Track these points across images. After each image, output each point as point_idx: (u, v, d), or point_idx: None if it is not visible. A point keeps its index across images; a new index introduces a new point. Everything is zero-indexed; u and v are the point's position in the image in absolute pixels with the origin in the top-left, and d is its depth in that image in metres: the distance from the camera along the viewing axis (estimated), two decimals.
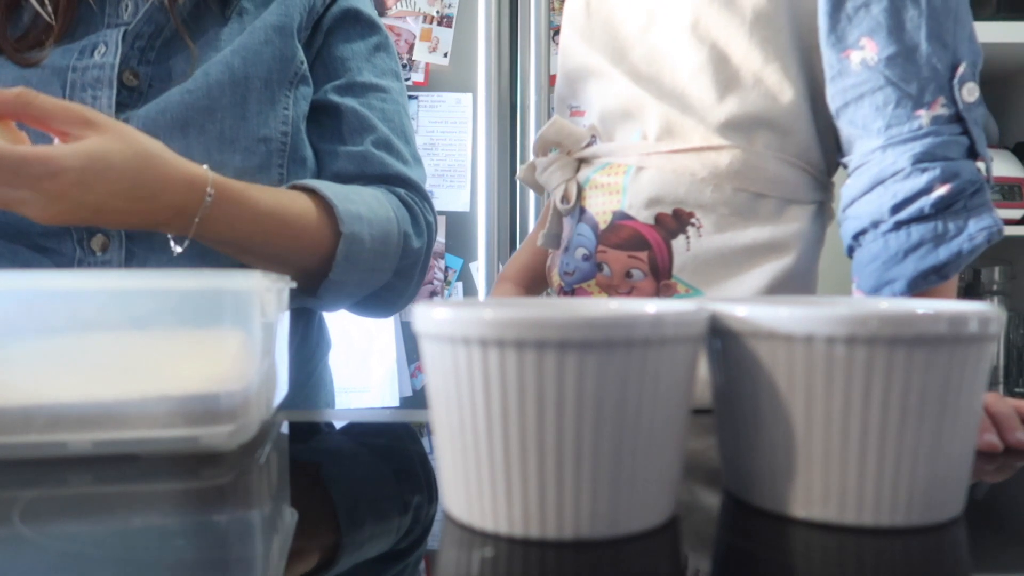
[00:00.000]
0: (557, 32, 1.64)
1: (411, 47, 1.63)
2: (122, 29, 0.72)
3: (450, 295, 1.63)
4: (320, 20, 0.79)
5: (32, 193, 0.55)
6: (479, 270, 1.61)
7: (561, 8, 1.65)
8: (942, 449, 0.34)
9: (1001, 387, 1.68)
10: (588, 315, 0.31)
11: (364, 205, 0.72)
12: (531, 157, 0.76)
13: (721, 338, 0.37)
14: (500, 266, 1.61)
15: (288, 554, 0.32)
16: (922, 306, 0.38)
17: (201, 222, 0.63)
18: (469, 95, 1.63)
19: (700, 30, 0.66)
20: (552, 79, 1.61)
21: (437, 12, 1.63)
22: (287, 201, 0.69)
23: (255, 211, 0.66)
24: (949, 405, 0.34)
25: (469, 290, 1.62)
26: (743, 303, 0.36)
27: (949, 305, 0.37)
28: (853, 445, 0.34)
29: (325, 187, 0.71)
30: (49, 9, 0.72)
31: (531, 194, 1.60)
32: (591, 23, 0.73)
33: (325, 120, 0.79)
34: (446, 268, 1.62)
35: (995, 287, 1.71)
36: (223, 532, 0.36)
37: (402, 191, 0.78)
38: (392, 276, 0.76)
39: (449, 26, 1.63)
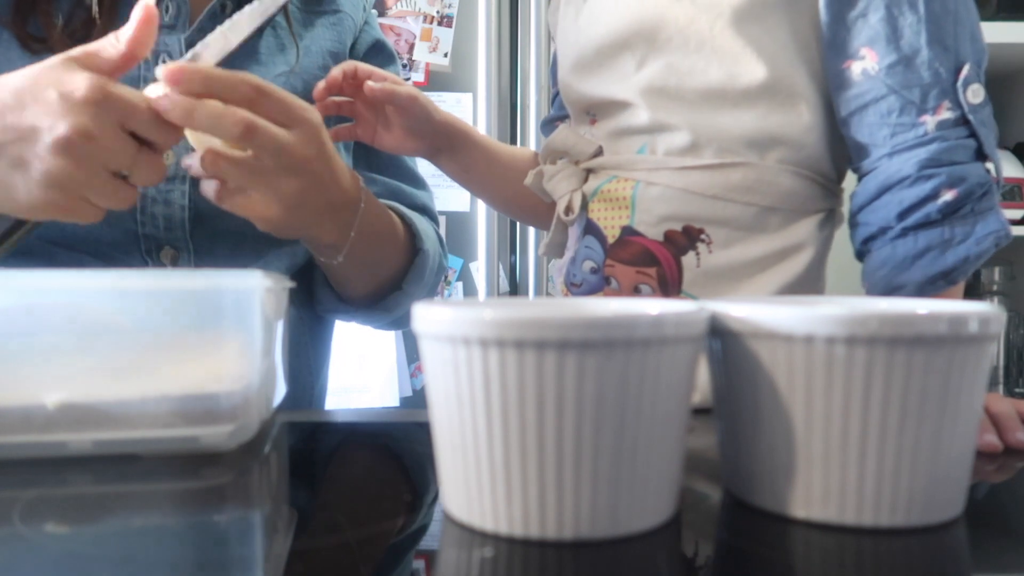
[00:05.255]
0: None
1: (411, 47, 1.63)
2: (179, 36, 0.69)
3: (450, 295, 1.63)
4: (354, 46, 0.81)
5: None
6: (479, 270, 1.61)
7: None
8: (942, 449, 0.34)
9: (1001, 387, 1.68)
10: (588, 315, 0.31)
11: (422, 226, 0.78)
12: None
13: (721, 338, 0.37)
14: (500, 266, 1.61)
15: (288, 554, 0.32)
16: (922, 306, 0.38)
17: (359, 218, 0.64)
18: (469, 95, 1.63)
19: (718, 45, 0.63)
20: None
21: (437, 12, 1.63)
22: (389, 212, 0.73)
23: (383, 212, 0.70)
24: (949, 405, 0.34)
25: (469, 290, 1.62)
26: (743, 303, 0.36)
27: (949, 305, 0.37)
28: (853, 445, 0.34)
29: (396, 206, 0.76)
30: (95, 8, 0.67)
31: None
32: None
33: (358, 148, 0.81)
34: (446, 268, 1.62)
35: (995, 287, 1.71)
36: (223, 532, 0.36)
37: (426, 219, 0.83)
38: (426, 293, 0.81)
39: (449, 26, 1.63)
